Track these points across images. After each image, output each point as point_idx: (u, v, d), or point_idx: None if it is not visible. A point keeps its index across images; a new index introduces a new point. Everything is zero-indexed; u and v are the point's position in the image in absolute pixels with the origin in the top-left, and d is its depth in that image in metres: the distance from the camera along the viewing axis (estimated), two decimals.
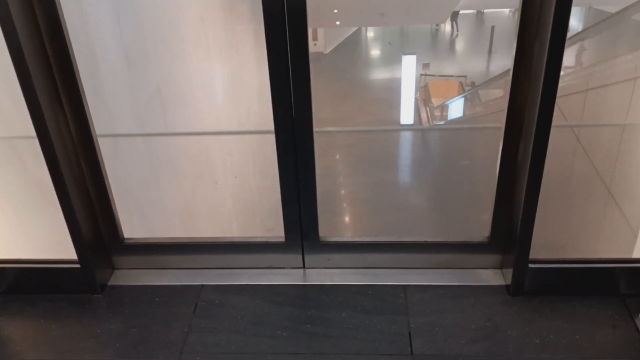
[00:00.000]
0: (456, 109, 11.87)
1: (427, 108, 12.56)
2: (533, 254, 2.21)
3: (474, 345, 2.09)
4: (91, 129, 2.20)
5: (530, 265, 2.23)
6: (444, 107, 12.15)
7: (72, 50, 2.05)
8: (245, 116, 4.68)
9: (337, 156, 8.60)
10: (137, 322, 2.26)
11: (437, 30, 16.58)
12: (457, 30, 16.09)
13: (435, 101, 12.51)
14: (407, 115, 11.92)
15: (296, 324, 2.22)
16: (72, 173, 2.19)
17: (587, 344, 2.08)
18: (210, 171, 3.97)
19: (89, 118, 2.18)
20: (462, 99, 12.02)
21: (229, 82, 4.46)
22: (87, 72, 2.16)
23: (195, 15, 3.76)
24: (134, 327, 2.23)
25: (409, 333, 2.15)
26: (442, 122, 11.98)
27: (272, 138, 2.18)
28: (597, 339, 2.10)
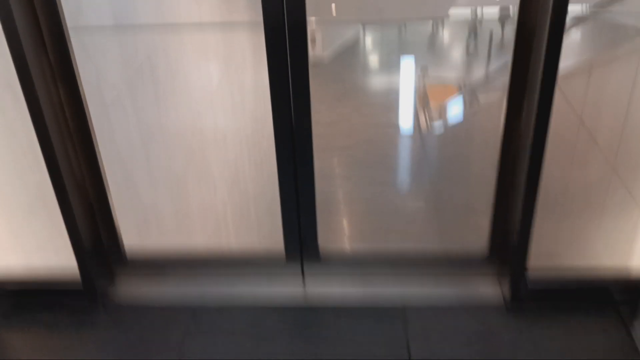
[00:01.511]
0: (454, 110, 11.88)
1: (426, 112, 12.58)
2: (531, 263, 2.24)
3: (471, 352, 2.11)
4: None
5: (527, 274, 2.25)
6: (442, 111, 12.17)
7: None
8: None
9: (335, 159, 8.62)
10: (137, 332, 2.27)
11: (438, 26, 16.50)
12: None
13: (434, 105, 12.52)
14: (405, 119, 11.93)
15: (295, 337, 2.24)
16: (74, 177, 2.20)
17: (581, 351, 2.10)
18: (209, 175, 3.98)
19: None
20: (461, 101, 12.05)
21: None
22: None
23: None
24: (133, 337, 2.25)
25: (407, 342, 2.17)
26: (441, 122, 12.00)
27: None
28: (591, 346, 2.12)
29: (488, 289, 2.38)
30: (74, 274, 2.36)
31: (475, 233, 2.47)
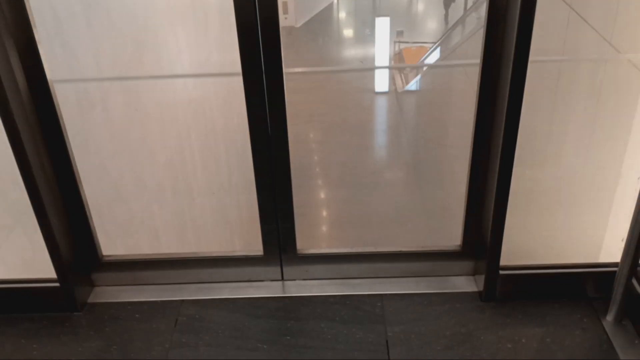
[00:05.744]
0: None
1: (402, 74, 12.53)
2: (505, 260, 2.29)
3: (449, 351, 2.17)
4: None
5: (501, 272, 2.30)
6: (418, 69, 12.10)
7: None
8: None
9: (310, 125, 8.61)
10: (118, 340, 2.28)
11: None
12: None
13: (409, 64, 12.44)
14: (381, 83, 11.87)
15: (276, 336, 2.27)
16: (51, 193, 2.19)
17: (557, 347, 2.16)
18: (188, 183, 3.96)
19: None
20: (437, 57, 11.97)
21: None
22: None
23: None
24: (114, 345, 2.27)
25: (387, 341, 2.22)
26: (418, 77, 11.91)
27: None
28: (567, 342, 2.19)
29: (464, 288, 2.43)
30: (53, 284, 2.37)
31: (450, 233, 2.51)
